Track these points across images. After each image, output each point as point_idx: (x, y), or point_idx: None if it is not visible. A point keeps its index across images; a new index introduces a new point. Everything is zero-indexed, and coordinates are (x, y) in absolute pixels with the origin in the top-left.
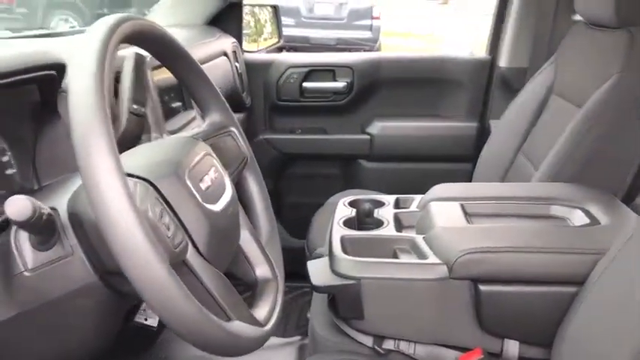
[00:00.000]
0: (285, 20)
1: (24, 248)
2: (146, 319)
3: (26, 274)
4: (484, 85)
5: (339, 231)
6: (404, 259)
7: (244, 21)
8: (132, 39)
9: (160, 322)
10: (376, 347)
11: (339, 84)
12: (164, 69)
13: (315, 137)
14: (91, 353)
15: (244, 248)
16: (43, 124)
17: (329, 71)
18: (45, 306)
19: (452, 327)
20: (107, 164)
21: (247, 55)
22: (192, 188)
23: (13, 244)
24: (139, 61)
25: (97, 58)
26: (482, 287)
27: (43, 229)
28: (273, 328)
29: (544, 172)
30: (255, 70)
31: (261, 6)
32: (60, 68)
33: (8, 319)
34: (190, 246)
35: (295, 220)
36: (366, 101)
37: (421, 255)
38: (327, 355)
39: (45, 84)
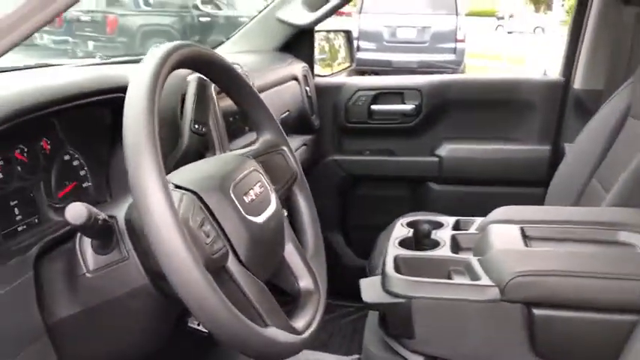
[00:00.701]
0: (367, 45)
1: (87, 252)
2: (199, 324)
3: (88, 275)
4: (557, 108)
5: (394, 250)
6: (457, 280)
7: (319, 46)
8: (187, 65)
9: None
10: None
11: (408, 106)
12: None
13: (383, 159)
14: (144, 353)
15: (288, 260)
16: (115, 143)
17: (397, 94)
18: (103, 305)
19: (504, 351)
20: (152, 180)
21: (318, 79)
22: (236, 201)
23: (77, 249)
24: (202, 84)
25: (147, 86)
26: (536, 311)
27: (101, 234)
28: (311, 338)
29: (615, 196)
30: (325, 93)
31: (335, 31)
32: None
33: (71, 316)
34: (231, 254)
35: (361, 240)
36: (435, 123)
37: (474, 277)
38: None
39: (116, 106)
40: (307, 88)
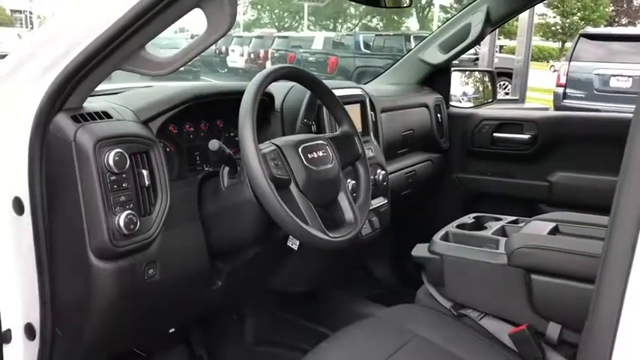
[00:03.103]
0: (575, 93)
1: (224, 176)
2: (292, 244)
3: (223, 189)
4: None
5: (448, 228)
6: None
7: (474, 86)
8: (285, 78)
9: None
10: (452, 310)
11: (525, 136)
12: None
13: (502, 180)
14: (248, 243)
15: (340, 202)
16: (264, 125)
17: (517, 125)
18: (230, 207)
19: (509, 305)
20: (247, 133)
21: (452, 109)
22: (301, 154)
23: (220, 174)
24: (313, 95)
25: (253, 90)
26: (534, 276)
27: (229, 163)
28: (337, 242)
29: None
30: (457, 120)
31: (480, 71)
32: (271, 97)
33: (213, 211)
34: (292, 181)
35: None
36: (549, 153)
37: (495, 248)
38: (416, 306)
39: (263, 106)
40: (439, 115)
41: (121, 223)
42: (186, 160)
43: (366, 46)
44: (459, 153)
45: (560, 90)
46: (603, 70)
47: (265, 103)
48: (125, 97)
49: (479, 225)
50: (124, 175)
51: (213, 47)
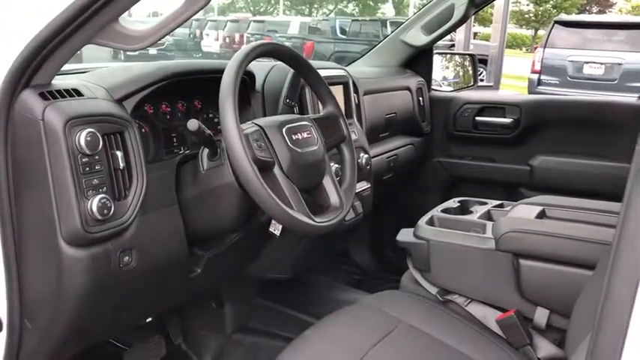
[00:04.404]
0: (549, 79)
1: (204, 158)
2: (275, 230)
3: (202, 172)
4: None
5: (433, 212)
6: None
7: (455, 70)
8: (266, 55)
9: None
10: (438, 296)
11: (507, 120)
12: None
13: (483, 164)
14: (228, 229)
15: (325, 185)
16: (244, 106)
17: (499, 108)
18: (209, 191)
19: (497, 290)
20: (230, 117)
21: (434, 92)
22: (285, 136)
23: (199, 156)
24: (296, 74)
25: (234, 68)
26: (522, 261)
27: (209, 144)
28: (322, 228)
29: None
30: (438, 104)
31: (460, 54)
32: (252, 77)
33: (192, 196)
34: (276, 164)
35: None
36: (531, 137)
37: (482, 233)
38: (401, 292)
39: (244, 85)
40: (420, 99)
41: (94, 208)
42: (162, 142)
43: (342, 31)
44: (440, 137)
45: (535, 76)
46: (577, 57)
47: (246, 82)
48: (98, 74)
49: (464, 209)
50: (96, 157)
51: (187, 31)
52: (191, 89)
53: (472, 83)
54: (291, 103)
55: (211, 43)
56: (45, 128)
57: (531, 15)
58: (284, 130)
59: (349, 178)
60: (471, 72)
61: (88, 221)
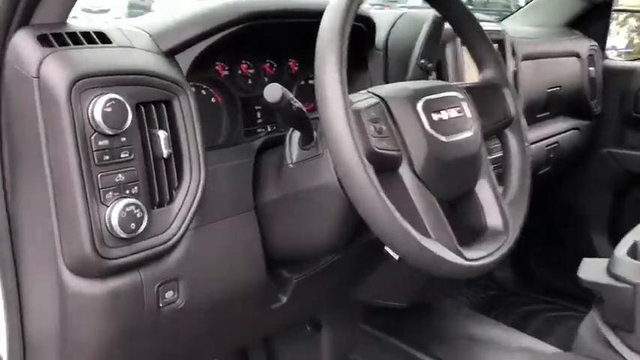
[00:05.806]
0: None
1: (293, 145)
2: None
3: (291, 165)
4: None
5: (635, 236)
6: None
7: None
8: None
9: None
10: None
11: None
12: None
13: None
14: (324, 252)
15: (479, 194)
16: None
17: None
18: (298, 194)
19: None
20: (332, 84)
21: (608, 61)
22: (422, 114)
23: (287, 141)
24: (436, 23)
25: (342, 9)
26: None
27: (298, 123)
28: (477, 269)
29: None
30: (614, 77)
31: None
32: (371, 26)
33: (274, 200)
34: (405, 160)
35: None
36: None
37: None
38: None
39: (358, 38)
40: (592, 69)
41: (115, 220)
42: (240, 118)
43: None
44: (614, 120)
45: None
46: None
47: (361, 32)
48: (144, 18)
49: None
50: (122, 139)
51: None
52: (285, 41)
53: None
54: (426, 65)
55: None
56: (40, 91)
57: None
58: (420, 104)
59: (517, 184)
60: None
61: (104, 240)
